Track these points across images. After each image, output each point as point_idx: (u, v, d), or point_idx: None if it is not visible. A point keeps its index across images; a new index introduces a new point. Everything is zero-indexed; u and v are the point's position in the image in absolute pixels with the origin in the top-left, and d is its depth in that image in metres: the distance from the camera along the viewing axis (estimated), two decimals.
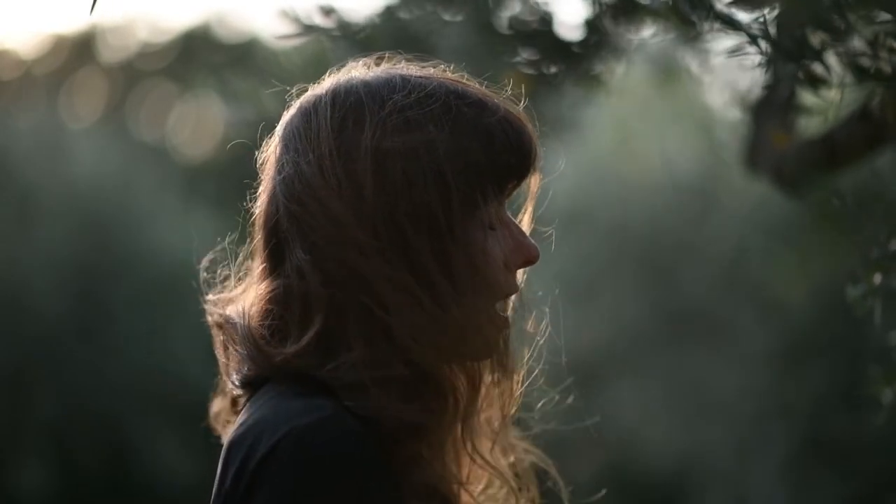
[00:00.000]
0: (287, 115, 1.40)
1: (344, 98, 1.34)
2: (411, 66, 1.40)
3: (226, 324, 1.39)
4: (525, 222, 1.44)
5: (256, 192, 1.42)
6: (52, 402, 6.42)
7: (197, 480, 6.09)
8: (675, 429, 6.11)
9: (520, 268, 1.38)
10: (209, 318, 1.44)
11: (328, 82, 1.38)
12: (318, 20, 2.15)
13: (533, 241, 1.38)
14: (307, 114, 1.36)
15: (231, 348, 1.37)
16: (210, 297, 1.46)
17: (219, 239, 1.49)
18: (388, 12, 2.23)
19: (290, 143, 1.36)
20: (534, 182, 1.42)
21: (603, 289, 6.16)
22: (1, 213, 6.70)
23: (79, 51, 9.78)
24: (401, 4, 2.23)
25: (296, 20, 2.13)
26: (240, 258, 1.47)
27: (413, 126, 1.31)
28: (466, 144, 1.32)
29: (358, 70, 1.39)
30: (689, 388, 6.13)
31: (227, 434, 1.34)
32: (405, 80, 1.35)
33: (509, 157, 1.34)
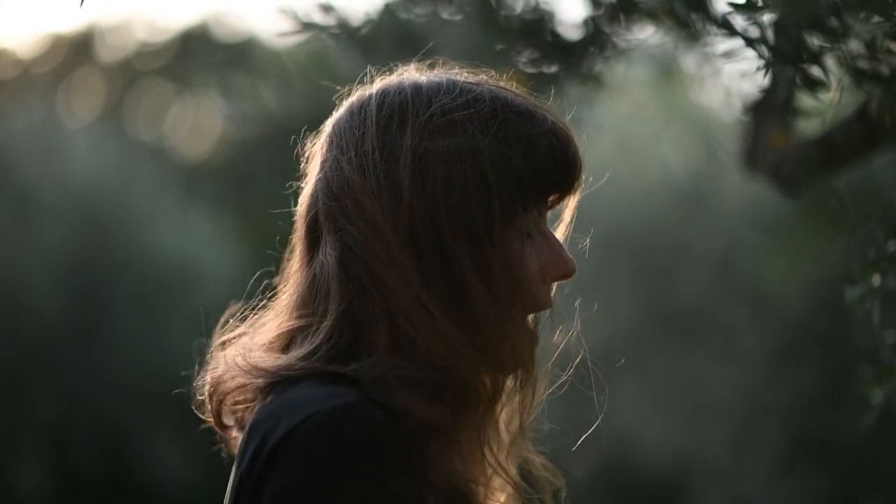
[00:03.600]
0: (336, 114, 1.39)
1: (392, 97, 1.34)
2: (464, 72, 1.39)
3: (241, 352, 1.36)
4: (559, 236, 1.42)
5: (300, 188, 1.41)
6: (51, 401, 6.42)
7: (196, 479, 6.10)
8: (670, 428, 6.11)
9: (555, 281, 1.36)
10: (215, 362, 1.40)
11: (379, 83, 1.38)
12: (317, 18, 2.15)
13: (570, 256, 1.36)
14: (355, 113, 1.36)
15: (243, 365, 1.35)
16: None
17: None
18: (388, 10, 2.23)
19: (336, 140, 1.36)
20: (573, 199, 1.40)
21: (599, 289, 6.16)
22: None
23: (77, 50, 9.78)
24: (400, 3, 2.22)
25: (295, 18, 2.13)
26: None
27: (458, 128, 1.30)
28: (510, 152, 1.30)
29: (410, 73, 1.39)
30: (685, 388, 6.14)
31: (246, 419, 1.33)
32: (454, 83, 1.34)
33: (552, 168, 1.32)
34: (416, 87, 1.34)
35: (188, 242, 6.92)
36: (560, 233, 1.42)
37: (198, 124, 9.08)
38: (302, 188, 1.41)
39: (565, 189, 1.36)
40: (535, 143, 1.32)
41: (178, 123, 9.18)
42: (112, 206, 6.92)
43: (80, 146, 7.33)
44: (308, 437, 1.21)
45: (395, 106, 1.32)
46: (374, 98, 1.35)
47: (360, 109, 1.35)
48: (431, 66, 1.40)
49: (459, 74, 1.38)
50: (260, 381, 1.32)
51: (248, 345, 1.37)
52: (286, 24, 2.13)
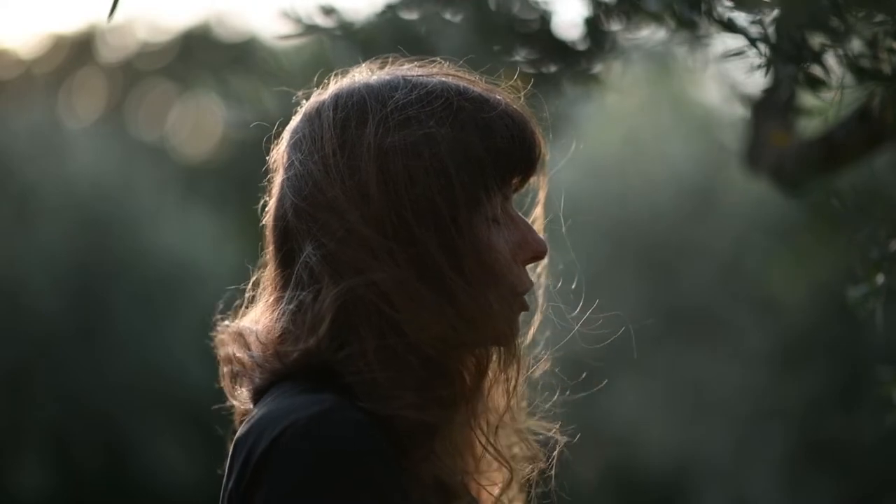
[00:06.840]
0: (292, 122, 1.41)
1: (346, 99, 1.36)
2: (413, 67, 1.41)
3: (237, 336, 1.38)
4: (538, 222, 1.44)
5: (265, 196, 1.42)
6: (51, 401, 6.43)
7: (196, 479, 6.10)
8: (673, 427, 6.11)
9: (528, 263, 1.38)
10: (219, 349, 1.43)
11: (332, 87, 1.40)
12: (319, 20, 2.15)
13: (540, 237, 1.39)
14: (311, 118, 1.38)
15: (243, 357, 1.37)
16: (222, 324, 1.45)
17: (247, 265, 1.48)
18: (389, 12, 2.23)
19: (297, 146, 1.38)
20: (542, 181, 1.43)
21: (602, 287, 6.17)
22: (0, 212, 6.70)
23: (78, 50, 9.78)
24: (401, 4, 2.22)
25: (296, 20, 2.13)
26: (252, 281, 1.46)
27: (414, 123, 1.33)
28: (467, 139, 1.33)
29: (361, 74, 1.41)
30: (687, 387, 6.14)
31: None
32: (406, 79, 1.37)
33: (510, 150, 1.35)
34: (369, 88, 1.36)
35: (189, 242, 6.91)
36: (539, 218, 1.44)
37: (199, 124, 9.08)
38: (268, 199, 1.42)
39: (526, 170, 1.38)
40: (490, 126, 1.34)
41: (180, 123, 9.18)
42: (113, 206, 6.92)
43: (82, 146, 7.33)
44: (290, 448, 1.23)
45: (351, 107, 1.35)
46: (328, 102, 1.37)
47: (317, 114, 1.37)
48: (382, 66, 1.43)
49: (410, 70, 1.40)
50: (259, 382, 1.34)
51: (244, 342, 1.38)
52: (287, 27, 2.13)
